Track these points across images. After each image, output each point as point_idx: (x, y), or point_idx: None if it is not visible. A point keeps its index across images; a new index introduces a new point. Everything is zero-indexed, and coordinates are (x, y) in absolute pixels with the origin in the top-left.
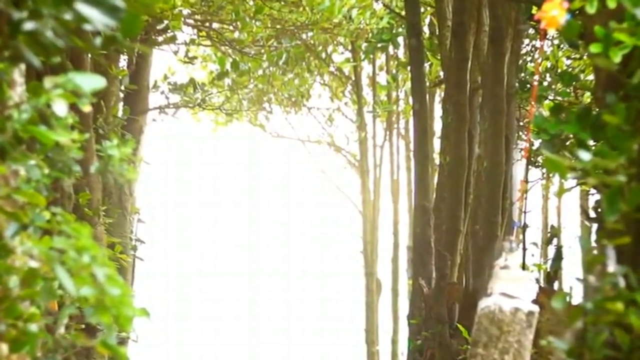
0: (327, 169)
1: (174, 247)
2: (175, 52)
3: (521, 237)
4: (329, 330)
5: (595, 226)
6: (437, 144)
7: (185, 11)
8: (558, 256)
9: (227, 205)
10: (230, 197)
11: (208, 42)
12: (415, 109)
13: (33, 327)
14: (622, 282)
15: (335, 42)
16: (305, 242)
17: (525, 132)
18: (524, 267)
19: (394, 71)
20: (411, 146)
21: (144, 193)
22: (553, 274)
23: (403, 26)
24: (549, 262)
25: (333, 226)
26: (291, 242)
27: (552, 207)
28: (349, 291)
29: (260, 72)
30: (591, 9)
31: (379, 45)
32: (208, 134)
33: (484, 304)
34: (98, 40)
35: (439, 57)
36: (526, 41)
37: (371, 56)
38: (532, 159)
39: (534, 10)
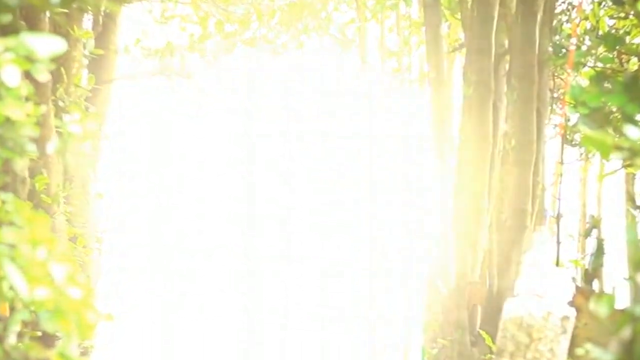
0: (329, 145)
1: (161, 227)
2: (149, 11)
3: (555, 228)
4: (329, 323)
5: None
6: (456, 118)
7: None
8: (599, 251)
9: (220, 184)
10: (223, 176)
11: (187, 0)
12: (430, 77)
13: None
14: None
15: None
16: (303, 227)
17: (560, 105)
18: (558, 263)
19: (406, 33)
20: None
21: (133, 175)
22: (592, 272)
23: None
24: (588, 258)
25: (337, 212)
26: (287, 226)
27: (592, 193)
28: (355, 287)
29: (248, 34)
30: None
31: (388, 3)
32: (192, 106)
33: (510, 306)
34: None
35: (458, 17)
36: None
37: (379, 16)
38: (568, 136)
39: None
